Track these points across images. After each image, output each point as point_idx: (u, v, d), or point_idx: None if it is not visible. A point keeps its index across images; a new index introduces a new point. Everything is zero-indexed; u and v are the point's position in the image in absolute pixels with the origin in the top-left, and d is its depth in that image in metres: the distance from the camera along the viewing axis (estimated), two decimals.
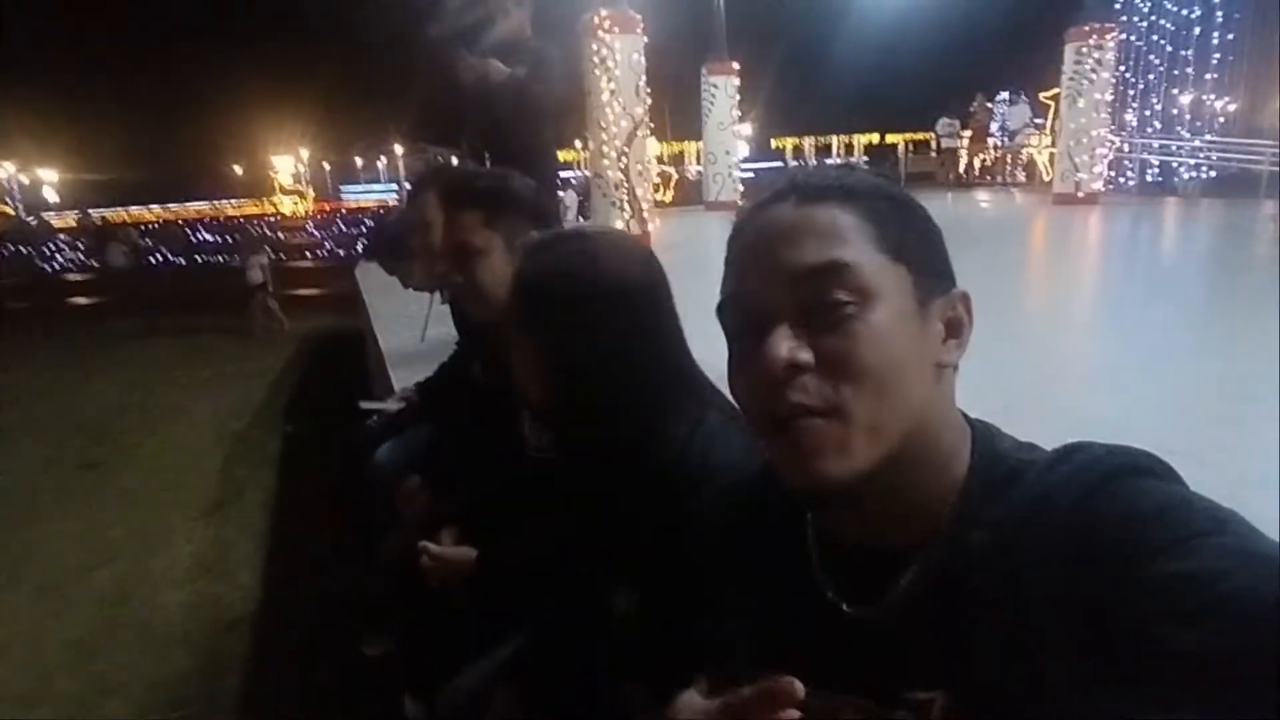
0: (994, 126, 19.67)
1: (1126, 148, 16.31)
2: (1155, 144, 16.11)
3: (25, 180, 39.40)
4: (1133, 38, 16.10)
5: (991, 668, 0.68)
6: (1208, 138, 15.36)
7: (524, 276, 1.31)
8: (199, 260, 18.55)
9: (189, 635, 3.76)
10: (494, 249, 1.81)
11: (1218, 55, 15.32)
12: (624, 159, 9.42)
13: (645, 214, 9.47)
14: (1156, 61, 16.17)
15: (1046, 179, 16.35)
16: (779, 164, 31.34)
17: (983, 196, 16.30)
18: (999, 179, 19.35)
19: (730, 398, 0.87)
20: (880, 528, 0.79)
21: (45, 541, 4.92)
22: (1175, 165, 15.72)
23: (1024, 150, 19.20)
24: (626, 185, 9.47)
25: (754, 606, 0.90)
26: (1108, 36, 12.21)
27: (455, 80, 4.17)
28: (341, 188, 43.75)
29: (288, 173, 37.60)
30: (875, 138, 40.55)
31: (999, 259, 7.93)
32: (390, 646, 2.91)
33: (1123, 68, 15.34)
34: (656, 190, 13.26)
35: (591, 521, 1.38)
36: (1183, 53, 15.72)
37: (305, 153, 40.50)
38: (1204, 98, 15.66)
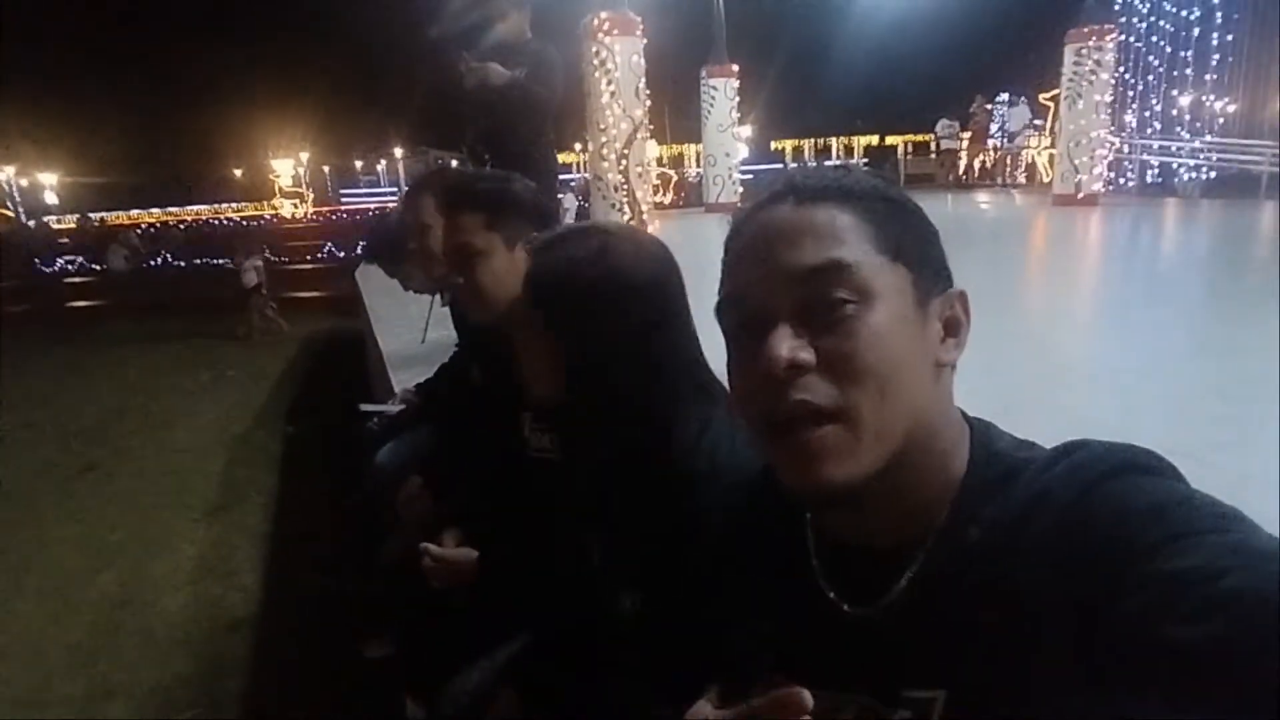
0: (993, 128, 19.68)
1: (1126, 149, 16.32)
2: (1155, 145, 16.12)
3: (25, 183, 39.43)
4: (1132, 39, 16.12)
5: (991, 666, 0.68)
6: (1207, 139, 15.36)
7: (539, 270, 1.31)
8: (199, 263, 18.51)
9: (190, 637, 3.76)
10: (495, 251, 1.81)
11: (1217, 56, 15.34)
12: (624, 161, 9.42)
13: (645, 216, 9.46)
14: (1156, 63, 16.18)
15: (1046, 180, 16.36)
16: (779, 166, 31.30)
17: (982, 198, 16.30)
18: (999, 180, 19.35)
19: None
20: (879, 527, 0.79)
21: (47, 544, 4.92)
22: (1175, 166, 15.73)
23: (1024, 151, 19.22)
24: (626, 187, 9.47)
25: (755, 606, 0.91)
26: (1107, 38, 12.21)
27: (456, 83, 4.18)
28: (341, 191, 43.79)
29: (288, 176, 37.60)
30: (875, 139, 40.57)
31: (999, 260, 7.93)
32: (391, 648, 2.90)
33: (1122, 69, 15.37)
34: (656, 192, 13.27)
35: (595, 521, 1.38)
36: (1182, 54, 15.74)
37: (305, 156, 40.55)
38: (1203, 99, 15.66)
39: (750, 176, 19.39)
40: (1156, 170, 16.17)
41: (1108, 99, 12.69)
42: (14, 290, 16.02)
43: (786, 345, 0.71)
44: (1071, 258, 8.75)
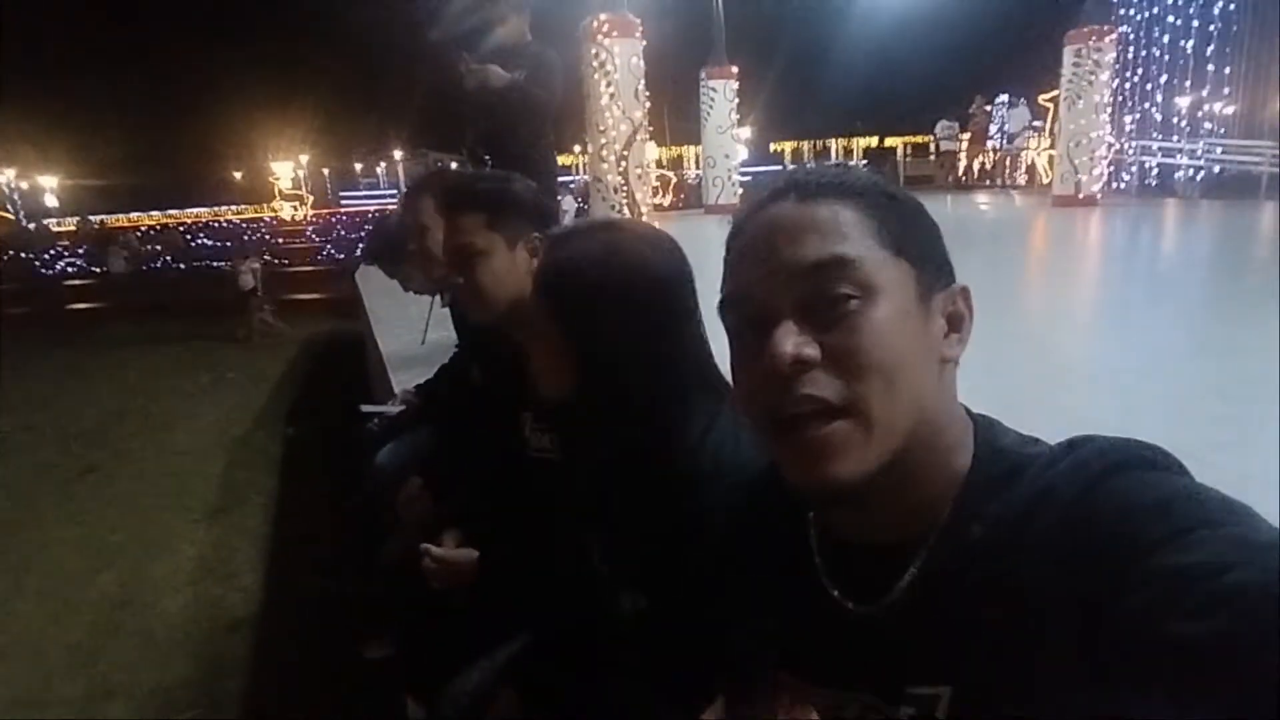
0: (993, 129, 19.67)
1: (1126, 149, 16.31)
2: (1154, 146, 16.10)
3: (25, 186, 39.42)
4: (1131, 40, 16.10)
5: (995, 662, 0.68)
6: (1207, 139, 15.36)
7: (552, 265, 1.30)
8: (199, 265, 18.53)
9: (190, 638, 3.76)
10: (496, 251, 1.81)
11: (1216, 57, 15.32)
12: (623, 163, 9.42)
13: (644, 218, 9.45)
14: (1155, 63, 16.16)
15: (1046, 181, 16.36)
16: (778, 167, 31.28)
17: (982, 199, 16.30)
18: (998, 181, 19.34)
19: None
20: (883, 524, 0.79)
21: (47, 545, 4.92)
22: (1175, 167, 15.72)
23: (1023, 152, 19.21)
24: (626, 189, 9.48)
25: (758, 605, 0.91)
26: (1106, 39, 12.22)
27: (455, 85, 4.18)
28: (341, 194, 43.79)
29: (287, 178, 37.55)
30: (874, 141, 40.55)
31: (998, 260, 7.93)
32: (391, 649, 2.90)
33: (1122, 69, 15.35)
34: (656, 194, 13.27)
35: (596, 520, 1.37)
36: (1182, 55, 15.72)
37: (305, 159, 40.52)
38: (1203, 99, 15.65)
39: (749, 178, 19.38)
40: (1156, 171, 16.15)
41: (1107, 100, 12.69)
42: (14, 292, 16.04)
43: (791, 341, 0.71)
44: (1071, 258, 8.75)
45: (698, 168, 20.15)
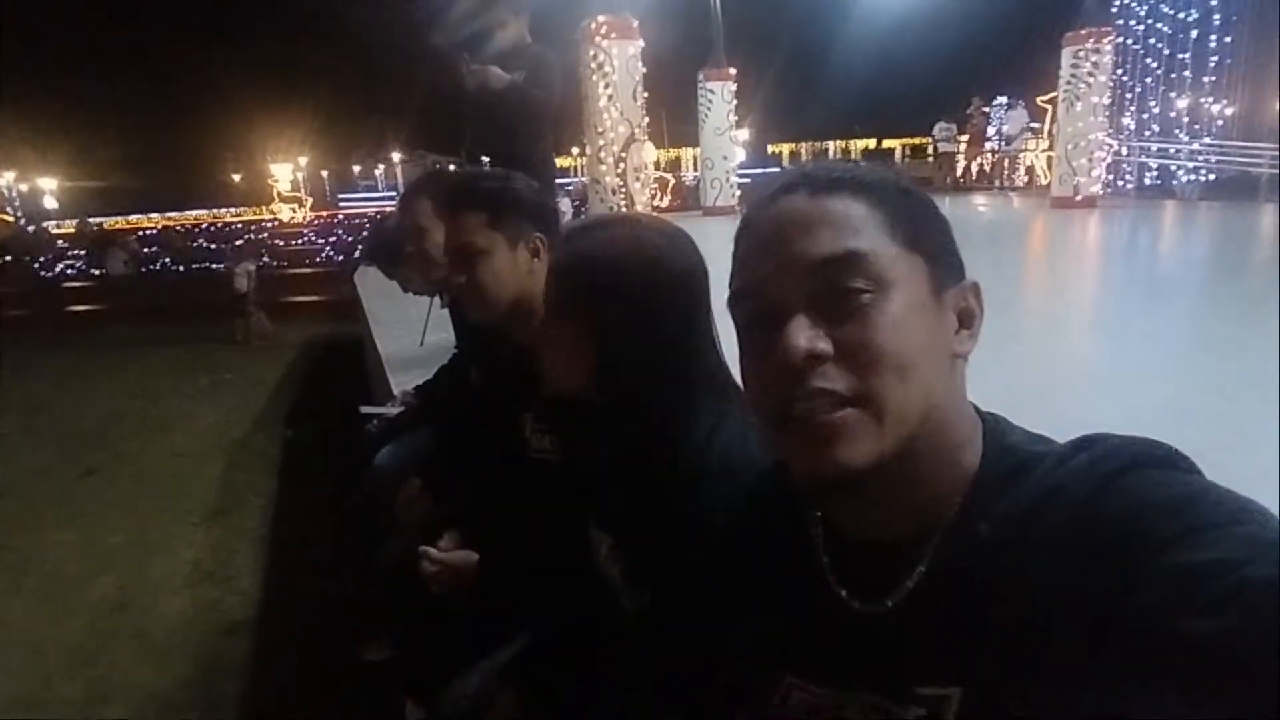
0: (991, 130, 19.68)
1: (1124, 151, 16.31)
2: (1153, 147, 16.11)
3: (25, 188, 39.40)
4: (1130, 41, 16.10)
5: (1004, 662, 0.67)
6: (1206, 141, 15.37)
7: (571, 255, 1.29)
8: (198, 268, 18.53)
9: (189, 641, 3.76)
10: (497, 250, 1.80)
11: (1215, 58, 15.31)
12: (622, 164, 9.44)
13: None
14: (1154, 65, 16.16)
15: (1044, 182, 16.37)
16: (776, 169, 31.29)
17: (980, 200, 16.29)
18: (996, 183, 19.35)
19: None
20: (889, 522, 0.78)
21: (46, 548, 4.91)
22: (1173, 168, 15.73)
23: (1021, 154, 19.22)
24: (624, 190, 9.49)
25: (762, 605, 0.90)
26: (1105, 40, 12.23)
27: (454, 87, 4.19)
28: (340, 196, 43.80)
29: (286, 181, 37.53)
30: (872, 142, 40.66)
31: (997, 262, 7.93)
32: (390, 651, 2.90)
33: (1120, 71, 15.36)
34: (654, 196, 13.27)
35: (603, 519, 1.37)
36: (1180, 56, 15.71)
37: (304, 161, 40.53)
38: (1202, 101, 15.66)
39: (747, 180, 19.40)
40: (1155, 172, 16.16)
41: (1105, 101, 12.70)
42: (14, 294, 16.02)
43: (804, 335, 0.71)
44: (1070, 260, 8.76)
45: (696, 170, 20.15)
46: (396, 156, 36.34)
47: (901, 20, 24.62)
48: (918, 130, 24.95)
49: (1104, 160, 13.41)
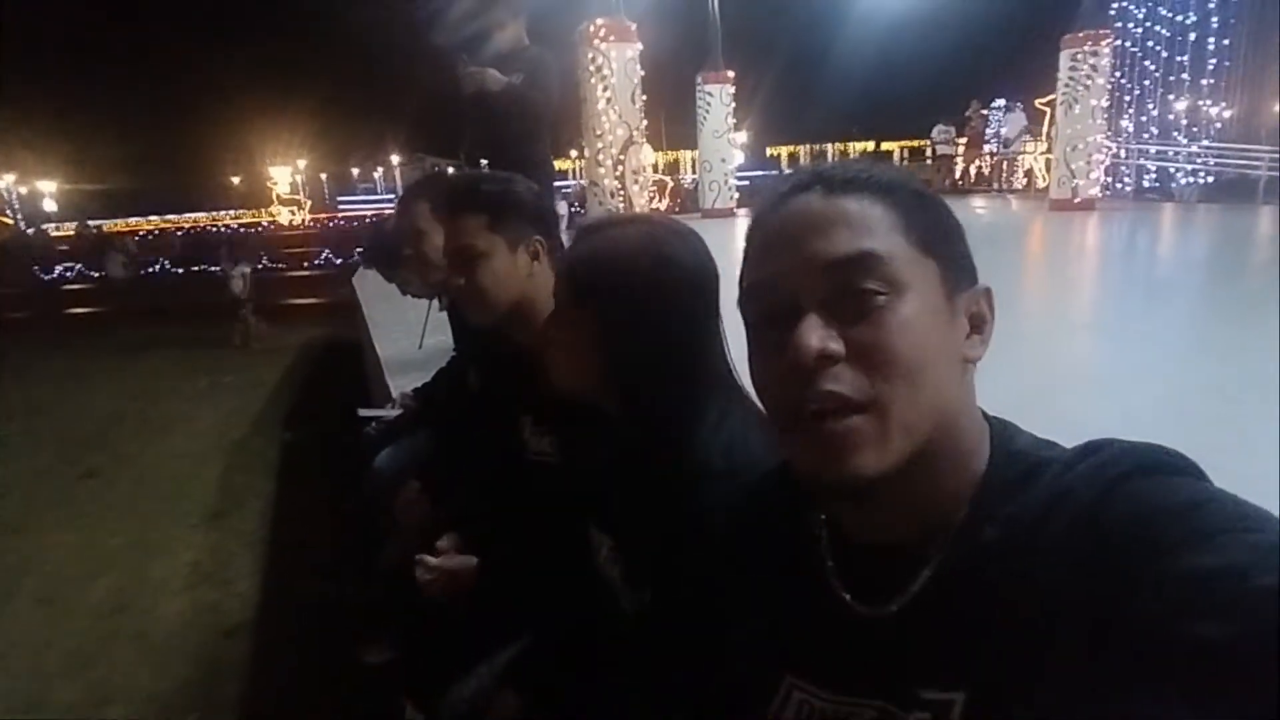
0: (989, 133, 19.70)
1: (1123, 153, 16.33)
2: (1152, 150, 16.13)
3: (24, 191, 39.39)
4: (1128, 44, 16.13)
5: (1009, 666, 0.67)
6: (1204, 143, 15.39)
7: (585, 252, 1.29)
8: (197, 270, 18.54)
9: (188, 643, 3.76)
10: (497, 253, 1.80)
11: (1213, 61, 15.34)
12: (620, 167, 9.45)
13: None
14: (1152, 67, 16.19)
15: (1042, 185, 16.38)
16: (774, 172, 31.36)
17: (979, 203, 16.30)
18: (995, 185, 19.37)
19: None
20: (895, 525, 0.78)
21: (45, 550, 4.91)
22: (1172, 171, 15.75)
23: (1020, 157, 19.24)
24: (623, 193, 9.50)
25: (765, 607, 0.89)
26: (1103, 43, 12.25)
27: (453, 89, 4.19)
28: (338, 198, 43.79)
29: (285, 183, 37.51)
30: (871, 145, 40.67)
31: (996, 264, 7.90)
32: (390, 653, 2.90)
33: (1118, 74, 15.39)
34: (652, 198, 13.27)
35: (604, 520, 1.37)
36: (1178, 58, 15.74)
37: (303, 163, 40.53)
38: (1200, 103, 15.68)
39: (746, 182, 19.39)
40: (1153, 175, 16.18)
41: (1104, 104, 12.73)
42: (13, 297, 16.06)
43: (817, 335, 0.71)
44: (1069, 262, 8.77)
45: (694, 172, 20.14)
46: (395, 159, 36.36)
47: (900, 23, 24.67)
48: (916, 133, 25.00)
49: (1102, 163, 13.43)
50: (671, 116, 24.59)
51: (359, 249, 14.76)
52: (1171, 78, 15.95)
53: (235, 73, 49.21)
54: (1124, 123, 16.44)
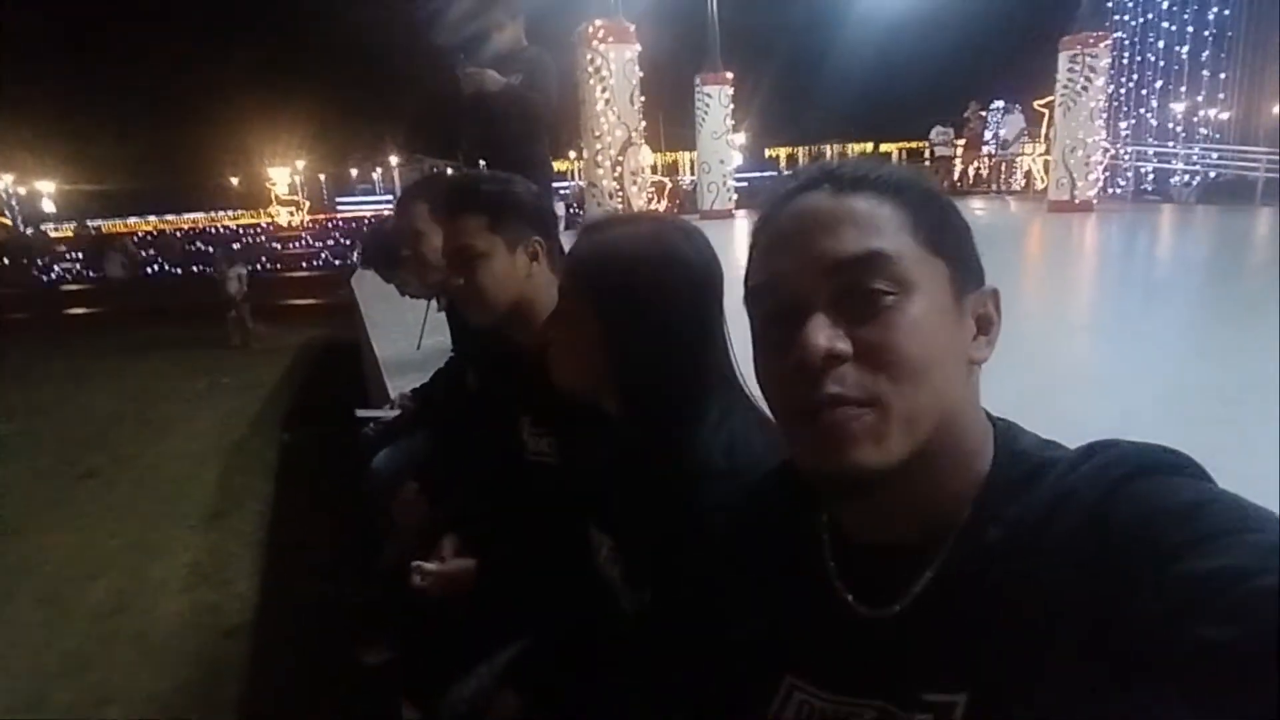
0: (988, 135, 19.71)
1: (1121, 155, 16.35)
2: (1150, 151, 16.15)
3: (23, 191, 39.40)
4: (1126, 45, 16.16)
5: (1013, 667, 0.66)
6: (1202, 145, 15.41)
7: (590, 248, 1.29)
8: (195, 270, 18.55)
9: (187, 644, 3.76)
10: (496, 253, 1.79)
11: (1211, 63, 15.38)
12: (619, 168, 9.44)
13: None
14: (1150, 69, 16.21)
15: (1041, 186, 16.39)
16: (773, 173, 31.42)
17: (977, 204, 16.29)
18: (993, 187, 19.38)
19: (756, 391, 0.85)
20: (899, 525, 0.78)
21: (43, 551, 4.90)
22: (1170, 172, 15.77)
23: (1018, 158, 19.26)
24: (621, 194, 9.50)
25: (766, 607, 0.89)
26: (1101, 44, 12.26)
27: (451, 90, 4.20)
28: (337, 199, 43.84)
29: (284, 184, 37.53)
30: (869, 146, 40.67)
31: (995, 266, 7.87)
32: (388, 654, 2.90)
33: (1117, 75, 15.39)
34: (651, 199, 13.26)
35: (605, 519, 1.37)
36: (1176, 60, 15.77)
37: (301, 164, 40.57)
38: (1198, 105, 15.70)
39: (744, 184, 19.39)
40: (1151, 176, 16.21)
41: (1102, 105, 12.73)
42: (12, 298, 16.06)
43: (824, 334, 0.70)
44: (1067, 263, 8.77)
45: (693, 173, 20.14)
46: (394, 160, 36.39)
47: (899, 24, 24.71)
48: (915, 134, 25.02)
49: (1101, 164, 13.43)
50: (670, 118, 24.59)
51: (357, 249, 14.79)
52: (1169, 79, 15.99)
53: (234, 73, 49.21)
54: (1122, 124, 16.47)
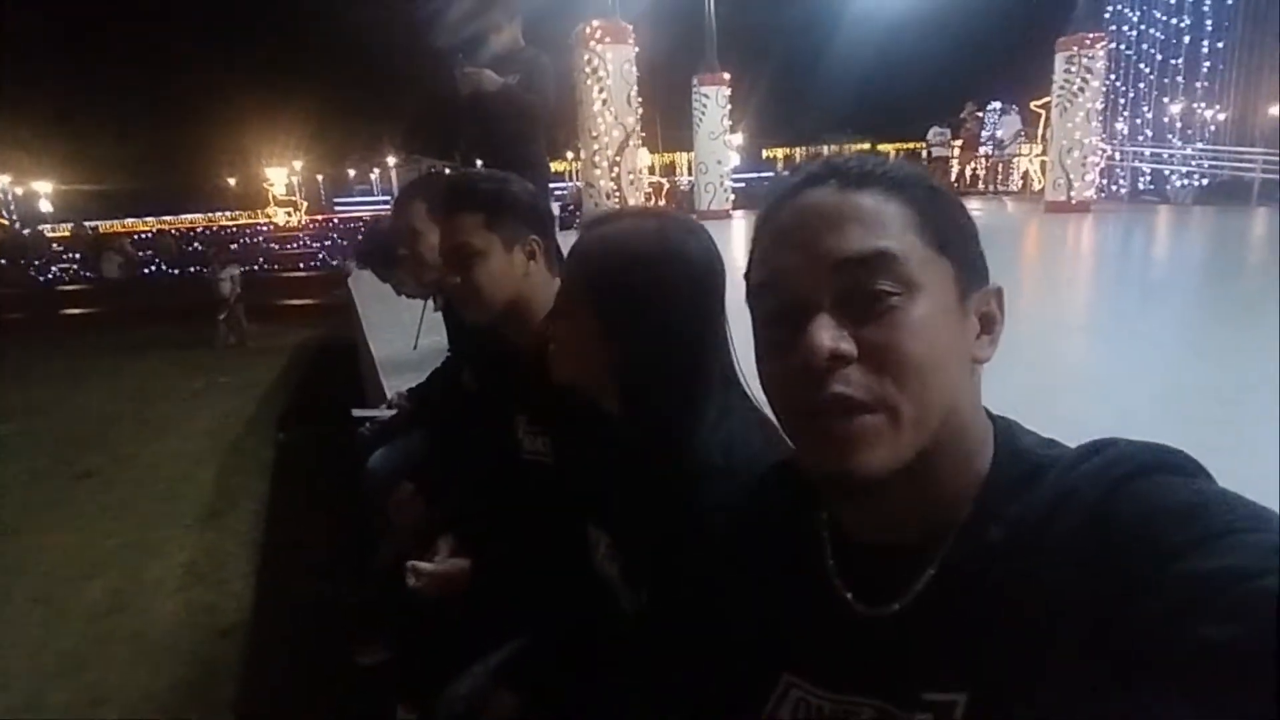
0: (985, 135, 19.72)
1: (1118, 156, 16.37)
2: (1146, 152, 16.17)
3: (20, 192, 39.38)
4: (1123, 46, 16.18)
5: (1013, 666, 0.66)
6: (1199, 145, 15.43)
7: (593, 243, 1.28)
8: (193, 271, 18.53)
9: (183, 644, 3.75)
10: (493, 252, 1.79)
11: (1207, 63, 15.40)
12: (616, 168, 9.44)
13: None
14: (1147, 70, 16.23)
15: (1038, 187, 16.40)
16: (770, 174, 31.41)
17: (974, 205, 16.28)
18: (990, 188, 19.39)
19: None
20: (900, 524, 0.77)
21: (40, 550, 4.90)
22: (1166, 173, 15.80)
23: (1015, 159, 19.27)
24: (619, 194, 9.49)
25: (767, 607, 0.88)
26: (1098, 45, 12.26)
27: (449, 90, 4.20)
28: (335, 200, 43.84)
29: (281, 184, 37.52)
30: (866, 147, 40.66)
31: (993, 266, 7.91)
32: (384, 654, 2.90)
33: (1113, 76, 15.41)
34: (648, 200, 13.24)
35: (603, 517, 1.36)
36: (1173, 61, 15.79)
37: (299, 165, 40.55)
38: (1194, 106, 15.72)
39: (742, 184, 19.40)
40: (1148, 177, 16.23)
41: (1099, 106, 12.74)
42: (9, 298, 16.02)
43: (829, 335, 0.70)
44: (1064, 264, 8.77)
45: (690, 174, 20.14)
46: (391, 160, 36.38)
47: (896, 25, 24.78)
48: (912, 135, 25.01)
49: (1097, 165, 13.45)
50: (667, 118, 24.65)
51: (354, 249, 14.79)
52: (1166, 80, 16.01)
53: (232, 74, 49.27)
54: (1119, 125, 16.49)
